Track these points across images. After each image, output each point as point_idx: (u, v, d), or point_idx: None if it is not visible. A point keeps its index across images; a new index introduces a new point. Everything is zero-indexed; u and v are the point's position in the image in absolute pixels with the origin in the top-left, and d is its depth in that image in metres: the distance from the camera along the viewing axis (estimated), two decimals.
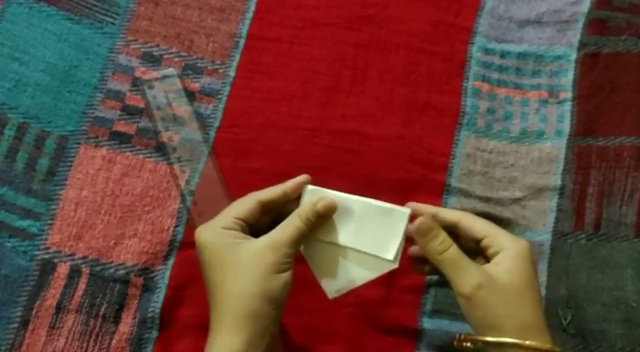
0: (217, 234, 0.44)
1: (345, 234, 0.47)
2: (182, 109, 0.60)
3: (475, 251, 0.47)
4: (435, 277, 0.57)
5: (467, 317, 0.44)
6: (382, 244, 0.46)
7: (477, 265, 0.44)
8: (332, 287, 0.47)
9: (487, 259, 0.46)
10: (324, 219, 0.46)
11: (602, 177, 0.59)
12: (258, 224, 0.47)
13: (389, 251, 0.46)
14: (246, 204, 0.46)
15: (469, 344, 0.45)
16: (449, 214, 0.47)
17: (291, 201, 0.47)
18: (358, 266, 0.47)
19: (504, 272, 0.44)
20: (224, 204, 0.57)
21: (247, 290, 0.42)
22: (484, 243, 0.45)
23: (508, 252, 0.44)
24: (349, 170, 0.59)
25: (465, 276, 0.43)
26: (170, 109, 0.60)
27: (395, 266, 0.46)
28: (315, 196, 0.47)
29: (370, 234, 0.47)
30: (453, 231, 0.47)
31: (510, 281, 0.43)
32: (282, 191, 0.47)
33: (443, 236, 0.45)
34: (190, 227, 0.57)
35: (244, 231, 0.45)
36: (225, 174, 0.59)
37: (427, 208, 0.48)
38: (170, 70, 0.61)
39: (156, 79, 0.60)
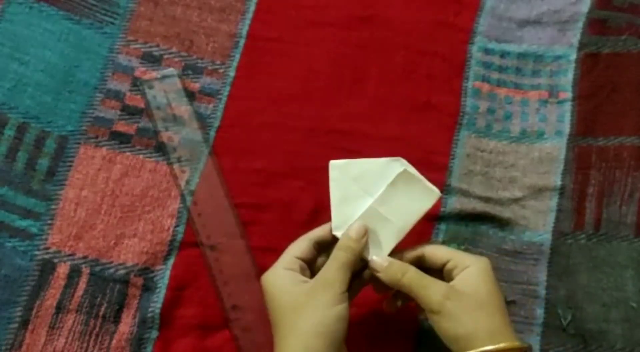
0: (279, 277, 0.47)
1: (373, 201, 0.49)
2: (182, 109, 0.60)
3: (442, 278, 0.48)
4: None
5: (440, 332, 0.45)
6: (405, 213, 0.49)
7: (440, 281, 0.46)
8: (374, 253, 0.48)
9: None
10: (362, 241, 0.48)
11: (602, 177, 0.59)
12: (317, 267, 0.49)
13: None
14: (301, 243, 0.49)
15: None
16: (412, 251, 0.49)
17: None
18: (385, 232, 0.49)
19: (469, 286, 0.46)
20: (224, 204, 0.58)
21: (300, 328, 0.44)
22: (448, 266, 0.47)
23: (471, 269, 0.46)
24: None
25: (430, 290, 0.45)
26: (170, 109, 0.60)
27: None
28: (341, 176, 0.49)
29: (395, 203, 0.49)
30: (422, 265, 0.48)
31: (474, 292, 0.45)
32: (329, 227, 0.49)
33: (398, 263, 0.47)
34: (190, 227, 0.57)
35: (303, 270, 0.47)
36: (225, 174, 0.59)
37: (390, 261, 0.48)
38: (170, 70, 0.61)
39: (156, 79, 0.60)
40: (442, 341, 0.55)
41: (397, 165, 0.49)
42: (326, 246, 0.49)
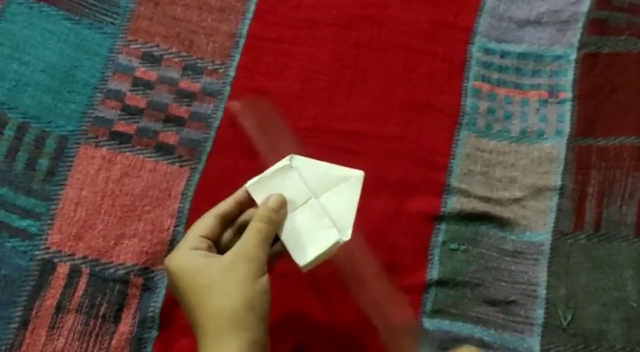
0: (186, 258, 0.44)
1: (307, 201, 0.47)
2: (182, 109, 0.60)
3: None
4: (435, 277, 0.57)
5: None
6: (339, 212, 0.47)
7: None
8: (302, 258, 0.46)
9: None
10: (281, 213, 0.46)
11: (602, 177, 0.59)
12: (223, 243, 0.46)
13: (345, 222, 0.47)
14: (205, 221, 0.46)
15: None
16: None
17: (246, 210, 0.47)
18: (319, 232, 0.47)
19: None
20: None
21: (228, 304, 0.42)
22: None
23: None
24: None
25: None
26: (170, 108, 0.60)
27: (344, 239, 0.47)
28: (264, 186, 0.47)
29: (329, 200, 0.48)
30: None
31: None
32: (234, 200, 0.47)
33: None
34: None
35: (209, 248, 0.45)
36: (225, 174, 0.59)
37: None
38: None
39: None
40: (442, 339, 0.56)
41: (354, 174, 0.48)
42: (231, 220, 0.47)
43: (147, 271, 0.55)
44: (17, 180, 0.56)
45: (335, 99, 0.62)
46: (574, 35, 0.65)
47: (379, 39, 0.64)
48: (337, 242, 0.46)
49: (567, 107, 0.62)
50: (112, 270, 0.55)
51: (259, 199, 0.47)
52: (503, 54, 0.65)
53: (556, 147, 0.61)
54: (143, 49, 0.62)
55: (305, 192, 0.47)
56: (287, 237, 0.46)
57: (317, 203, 0.47)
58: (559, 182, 0.60)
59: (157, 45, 0.62)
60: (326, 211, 0.47)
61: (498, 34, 0.65)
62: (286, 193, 0.47)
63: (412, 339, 0.47)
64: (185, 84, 0.61)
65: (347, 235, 0.46)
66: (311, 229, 0.47)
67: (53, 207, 0.56)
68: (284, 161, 0.48)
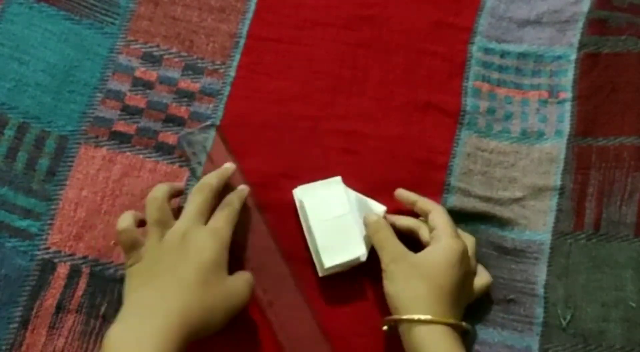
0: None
1: (346, 214, 0.55)
2: (182, 109, 0.60)
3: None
4: None
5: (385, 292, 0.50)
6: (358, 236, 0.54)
7: (400, 245, 0.51)
8: (329, 260, 0.53)
9: None
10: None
11: (602, 177, 0.59)
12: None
13: (360, 245, 0.54)
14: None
15: (385, 327, 0.51)
16: (426, 204, 0.55)
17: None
18: (351, 243, 0.54)
19: (425, 258, 0.51)
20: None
21: None
22: (433, 234, 0.52)
23: (439, 244, 0.51)
24: (349, 170, 0.59)
25: (384, 251, 0.51)
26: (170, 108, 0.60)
27: (363, 259, 0.54)
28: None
29: (359, 222, 0.55)
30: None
31: (424, 263, 0.50)
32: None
33: (378, 223, 0.53)
34: None
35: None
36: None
37: (410, 197, 0.57)
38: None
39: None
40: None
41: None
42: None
43: None
44: (17, 180, 0.56)
45: (335, 99, 0.62)
46: (574, 35, 0.65)
47: (379, 39, 0.64)
48: (357, 258, 0.54)
49: (567, 107, 0.62)
50: (112, 270, 0.55)
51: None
52: (503, 54, 0.65)
53: (556, 147, 0.61)
54: (143, 49, 0.62)
55: (346, 205, 0.55)
56: (321, 238, 0.54)
57: (356, 218, 0.54)
58: (558, 182, 0.60)
59: (157, 46, 0.62)
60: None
61: (498, 34, 0.65)
62: (329, 200, 0.55)
63: None
64: (185, 84, 0.61)
65: (365, 256, 0.54)
66: (344, 237, 0.54)
67: (53, 207, 0.56)
68: (335, 178, 0.57)
